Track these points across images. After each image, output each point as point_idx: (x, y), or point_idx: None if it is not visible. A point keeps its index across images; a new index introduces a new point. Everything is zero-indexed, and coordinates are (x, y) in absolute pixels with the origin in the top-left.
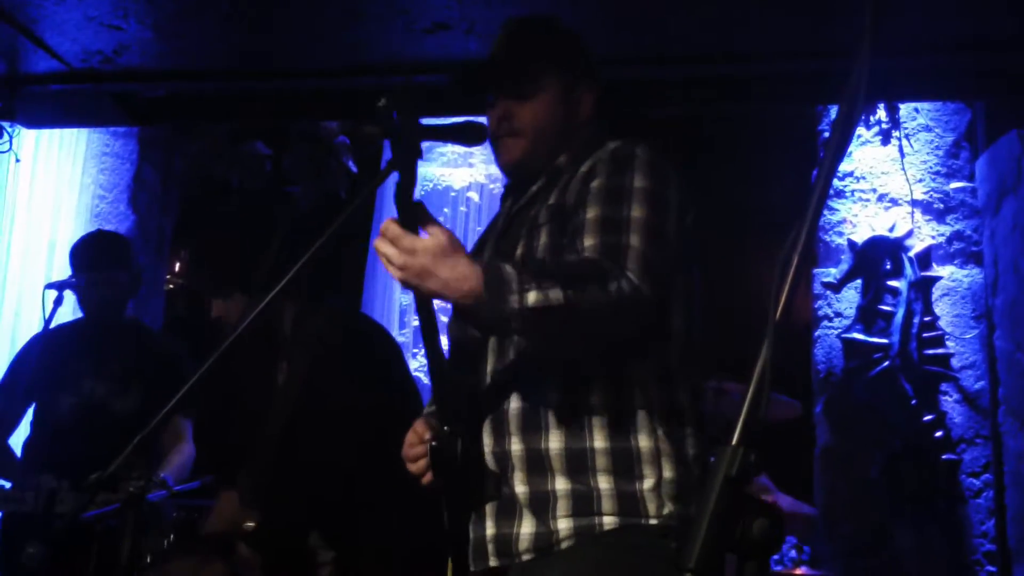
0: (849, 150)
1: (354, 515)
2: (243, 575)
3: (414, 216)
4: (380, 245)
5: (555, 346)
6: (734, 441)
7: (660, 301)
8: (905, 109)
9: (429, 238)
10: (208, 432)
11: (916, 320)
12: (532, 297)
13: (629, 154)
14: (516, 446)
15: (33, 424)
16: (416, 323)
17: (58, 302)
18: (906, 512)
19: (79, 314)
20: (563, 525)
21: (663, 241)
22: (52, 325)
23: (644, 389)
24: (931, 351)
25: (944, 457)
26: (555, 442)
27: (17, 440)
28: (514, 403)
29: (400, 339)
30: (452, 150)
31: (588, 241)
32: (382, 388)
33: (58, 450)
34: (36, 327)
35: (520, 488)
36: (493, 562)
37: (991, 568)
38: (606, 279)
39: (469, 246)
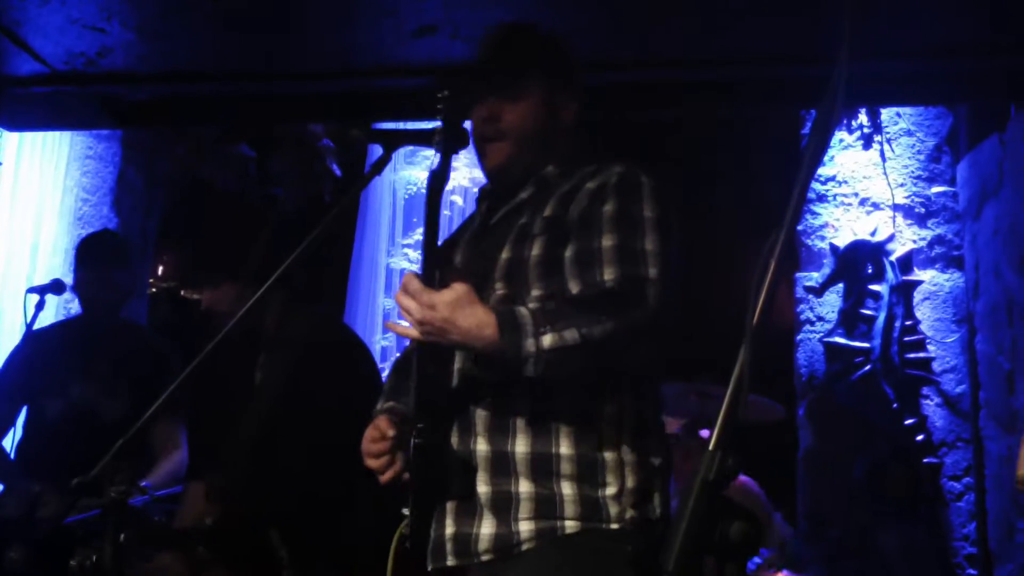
0: (831, 155)
1: (320, 518)
2: (206, 573)
3: (436, 263)
4: (402, 299)
5: (571, 380)
6: (711, 445)
7: (669, 331)
8: (887, 114)
9: (447, 291)
10: (191, 431)
11: (897, 324)
12: (548, 340)
13: (637, 182)
14: (482, 447)
15: (24, 427)
16: None
17: (40, 306)
18: (888, 515)
19: (61, 317)
20: (524, 527)
21: (671, 269)
22: (37, 327)
23: (615, 399)
24: (912, 355)
25: (926, 460)
26: (521, 446)
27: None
28: (482, 404)
29: (383, 343)
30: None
31: (608, 273)
32: (357, 395)
33: (48, 453)
34: (18, 331)
35: (482, 488)
36: (451, 561)
37: (972, 571)
38: (624, 311)
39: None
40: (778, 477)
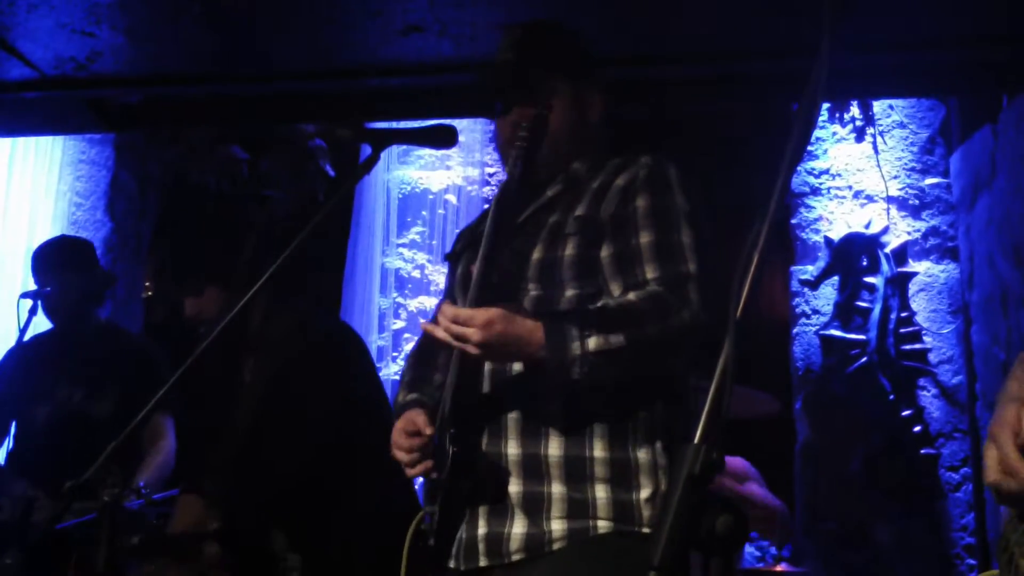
0: (824, 148)
1: (321, 518)
2: None
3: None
4: (453, 330)
5: (615, 383)
6: (696, 439)
7: (717, 322)
8: (879, 106)
9: (491, 309)
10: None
11: (893, 316)
12: (593, 343)
13: (666, 172)
14: (513, 450)
15: (15, 436)
16: (396, 327)
17: (33, 311)
18: (886, 507)
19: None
20: (556, 527)
21: (710, 260)
22: (28, 335)
23: (649, 404)
24: (908, 346)
25: (923, 452)
26: (554, 449)
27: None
28: (514, 407)
29: (379, 343)
30: (430, 153)
31: (650, 272)
32: (349, 390)
33: (39, 458)
34: (12, 336)
35: (514, 488)
36: (483, 562)
37: (971, 561)
38: (669, 313)
39: (448, 246)
40: (776, 470)
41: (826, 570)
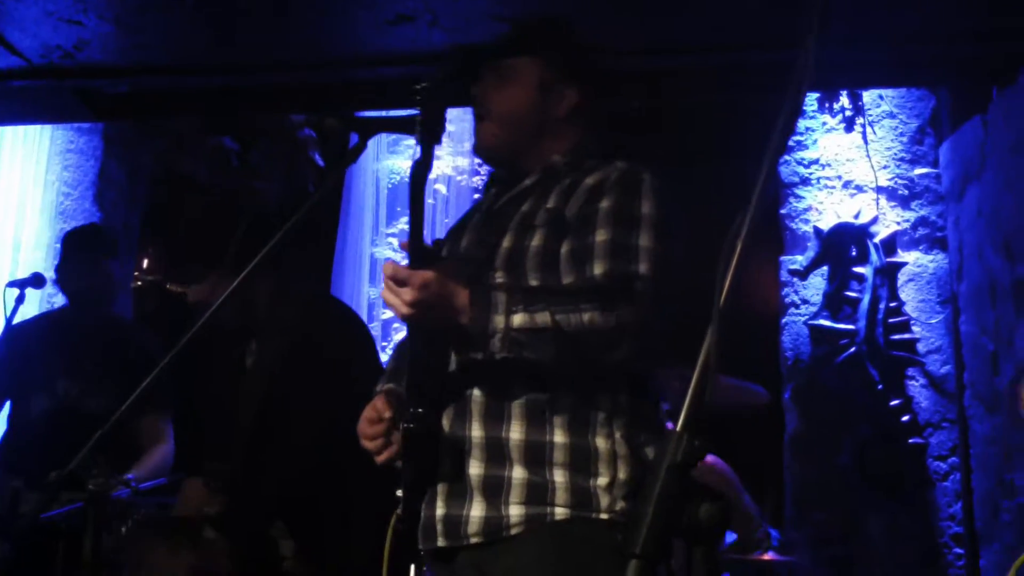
0: (814, 138)
1: (320, 505)
2: (210, 563)
3: (422, 253)
4: (389, 288)
5: (542, 366)
6: (679, 427)
7: (662, 330)
8: (869, 96)
9: (425, 272)
10: (179, 422)
11: (882, 306)
12: (518, 319)
13: (638, 179)
14: (476, 432)
15: (9, 421)
16: (385, 316)
17: (20, 300)
18: (874, 496)
19: (44, 310)
20: (514, 511)
21: (669, 269)
22: (18, 320)
23: (611, 392)
24: (897, 336)
25: (911, 441)
26: (516, 432)
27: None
28: (478, 391)
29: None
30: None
31: (599, 268)
32: (354, 374)
33: (33, 448)
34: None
35: (474, 471)
36: (441, 542)
37: (959, 550)
38: (609, 306)
39: (441, 235)
40: (764, 461)
41: (814, 559)
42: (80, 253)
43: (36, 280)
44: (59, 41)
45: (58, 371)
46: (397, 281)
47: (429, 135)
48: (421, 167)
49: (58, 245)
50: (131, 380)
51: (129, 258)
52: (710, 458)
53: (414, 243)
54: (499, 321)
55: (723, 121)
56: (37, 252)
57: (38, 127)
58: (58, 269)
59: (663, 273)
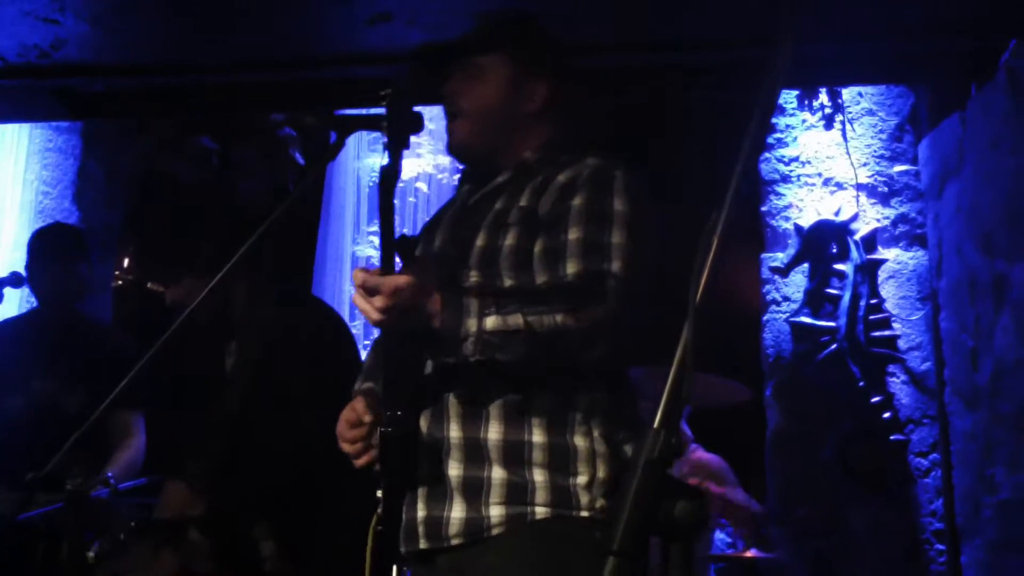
0: (794, 135)
1: (302, 505)
2: (194, 564)
3: (399, 250)
4: (360, 292)
5: (517, 368)
6: (655, 424)
7: (636, 327)
8: (848, 93)
9: (396, 277)
10: (157, 424)
11: (863, 303)
12: (490, 322)
13: (610, 176)
14: (455, 433)
15: None
16: None
17: None
18: (857, 493)
19: (23, 310)
20: (495, 512)
21: (642, 267)
22: None
23: (588, 390)
24: (878, 333)
25: (893, 438)
26: (494, 433)
27: None
28: (456, 391)
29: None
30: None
31: (571, 267)
32: (335, 374)
33: (9, 451)
34: None
35: (453, 472)
36: (423, 544)
37: (940, 546)
38: (579, 305)
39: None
40: (747, 458)
41: (797, 556)
42: (48, 253)
43: (14, 279)
44: (36, 40)
45: (32, 371)
46: (368, 289)
47: (396, 137)
48: (390, 169)
49: (28, 245)
50: (106, 379)
51: (109, 257)
52: (707, 454)
53: (385, 248)
54: (471, 324)
55: (723, 121)
56: (16, 252)
57: (16, 125)
58: (27, 269)
59: (636, 270)
